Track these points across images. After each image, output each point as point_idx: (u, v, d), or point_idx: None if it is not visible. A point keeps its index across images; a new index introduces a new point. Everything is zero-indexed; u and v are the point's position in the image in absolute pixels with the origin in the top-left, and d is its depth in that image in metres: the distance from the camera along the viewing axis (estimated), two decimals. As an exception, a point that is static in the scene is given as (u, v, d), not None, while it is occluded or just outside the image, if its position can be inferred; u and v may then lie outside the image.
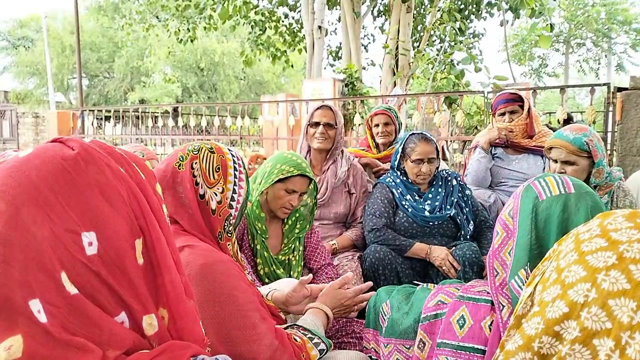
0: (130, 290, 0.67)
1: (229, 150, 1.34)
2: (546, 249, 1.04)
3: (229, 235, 1.30)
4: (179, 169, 1.25)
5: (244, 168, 1.36)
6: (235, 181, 1.30)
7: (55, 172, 0.64)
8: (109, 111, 6.86)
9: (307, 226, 2.18)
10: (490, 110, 5.99)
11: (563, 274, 0.60)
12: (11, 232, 0.58)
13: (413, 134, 2.52)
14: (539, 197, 1.11)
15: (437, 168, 2.54)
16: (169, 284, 0.71)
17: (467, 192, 2.55)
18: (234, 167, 1.31)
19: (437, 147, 2.48)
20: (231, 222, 1.30)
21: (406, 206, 2.45)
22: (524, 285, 1.05)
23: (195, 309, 0.78)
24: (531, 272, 1.06)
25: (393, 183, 2.53)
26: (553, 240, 1.04)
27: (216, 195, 1.26)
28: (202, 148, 1.29)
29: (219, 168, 1.28)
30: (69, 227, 0.62)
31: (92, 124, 7.09)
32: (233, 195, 1.29)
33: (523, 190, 1.16)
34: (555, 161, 2.20)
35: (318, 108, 2.70)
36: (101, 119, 7.69)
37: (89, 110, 7.31)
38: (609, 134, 3.90)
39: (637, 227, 0.59)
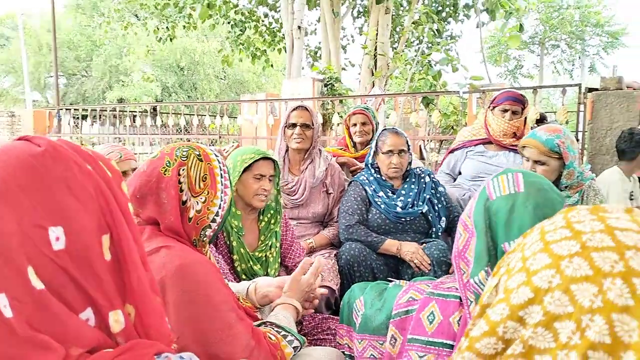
0: (97, 285, 0.66)
1: (216, 156, 1.34)
2: (500, 248, 1.07)
3: (204, 242, 1.31)
4: (165, 174, 1.24)
5: (228, 174, 1.36)
6: (221, 195, 1.30)
7: (23, 168, 0.64)
8: (86, 110, 6.76)
9: (279, 217, 2.18)
10: (465, 110, 6.09)
11: (528, 262, 0.62)
12: None
13: (385, 129, 2.59)
14: (489, 197, 1.14)
15: (410, 164, 2.58)
16: (136, 280, 0.71)
17: (440, 188, 2.60)
18: (220, 174, 1.31)
19: (407, 141, 2.54)
20: (207, 232, 1.29)
21: (379, 203, 2.49)
22: (484, 285, 1.08)
23: (161, 305, 0.78)
24: (491, 271, 1.09)
25: (366, 181, 2.57)
26: (503, 240, 1.08)
27: (197, 204, 1.26)
28: (190, 155, 1.28)
29: (205, 177, 1.28)
30: (36, 222, 0.62)
31: (69, 123, 6.98)
32: (218, 210, 1.29)
33: (479, 190, 1.19)
34: (528, 159, 2.24)
35: (294, 109, 2.72)
36: (78, 117, 7.56)
37: (66, 109, 7.19)
38: (580, 134, 4.00)
39: (599, 220, 0.61)
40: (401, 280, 1.59)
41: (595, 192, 2.30)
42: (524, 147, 2.25)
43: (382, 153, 2.53)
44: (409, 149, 2.54)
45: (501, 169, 2.85)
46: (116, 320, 0.69)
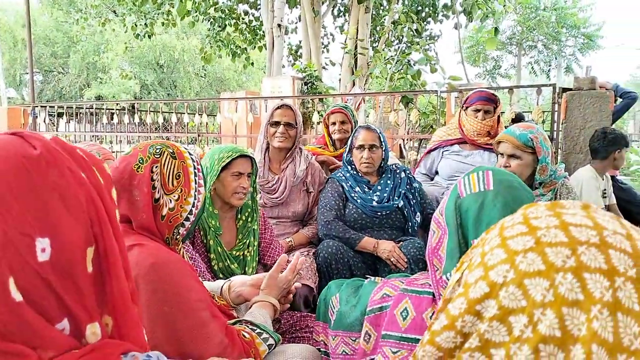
0: (77, 298, 0.65)
1: (190, 154, 1.32)
2: (470, 245, 1.09)
3: (177, 240, 1.30)
4: (138, 171, 1.23)
5: (203, 173, 1.35)
6: (195, 194, 1.29)
7: (16, 171, 0.61)
8: (63, 107, 6.64)
9: (255, 215, 2.18)
10: (443, 110, 6.15)
11: (486, 257, 0.64)
12: None
13: (359, 126, 2.62)
14: (460, 195, 1.16)
15: (385, 160, 2.60)
16: (117, 292, 0.70)
17: (415, 184, 2.63)
18: (194, 172, 1.30)
19: (380, 137, 2.57)
20: (180, 231, 1.28)
21: (355, 198, 2.52)
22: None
23: (139, 315, 0.77)
24: None
25: (343, 177, 2.60)
26: (472, 236, 1.10)
27: (170, 202, 1.25)
28: (164, 152, 1.27)
29: (179, 175, 1.27)
30: (23, 231, 0.60)
31: (45, 121, 6.84)
32: (192, 208, 1.28)
33: (451, 189, 1.21)
34: (502, 155, 2.29)
35: (278, 107, 2.70)
36: (54, 115, 7.41)
37: (41, 107, 7.05)
38: (555, 133, 4.07)
39: (555, 215, 0.63)
40: (377, 277, 1.60)
41: (568, 190, 2.35)
42: (499, 142, 2.31)
43: (355, 148, 2.56)
44: (382, 145, 2.57)
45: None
46: (93, 332, 0.68)
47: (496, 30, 7.72)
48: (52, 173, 0.64)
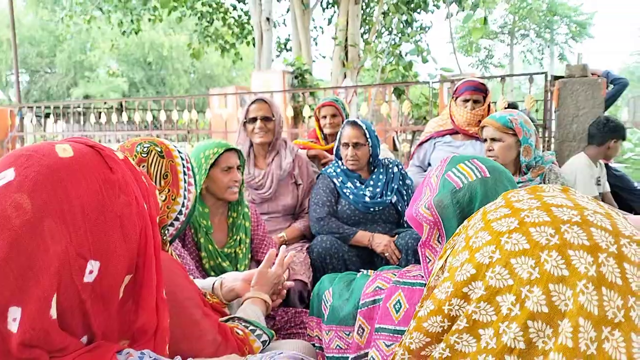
0: (102, 321, 0.66)
1: (180, 153, 1.30)
2: None
3: (165, 240, 1.28)
4: None
5: (193, 171, 1.33)
6: (184, 193, 1.27)
7: (92, 194, 0.62)
8: (50, 107, 6.56)
9: (245, 209, 2.17)
10: (436, 101, 6.14)
11: (471, 240, 0.65)
12: (26, 236, 0.56)
13: (347, 121, 2.57)
14: (455, 187, 1.15)
15: (373, 155, 2.55)
16: (143, 324, 0.71)
17: (408, 181, 2.60)
18: (184, 171, 1.28)
19: (366, 133, 2.50)
20: (169, 231, 1.26)
21: (347, 193, 2.49)
22: None
23: (161, 344, 0.77)
24: None
25: (334, 173, 2.56)
26: None
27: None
28: (151, 151, 1.25)
29: (167, 175, 1.25)
30: (81, 252, 0.61)
31: (32, 122, 6.77)
32: (182, 208, 1.26)
33: (439, 183, 1.19)
34: (485, 140, 2.37)
35: (253, 102, 2.66)
36: (41, 116, 7.33)
37: (28, 107, 6.97)
38: (548, 121, 4.07)
39: (536, 198, 0.65)
40: (369, 270, 1.59)
41: (556, 175, 2.37)
42: (482, 128, 2.40)
43: (341, 145, 2.53)
44: (368, 141, 2.51)
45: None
46: None
47: (485, 19, 7.72)
48: (121, 200, 0.66)
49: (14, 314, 0.55)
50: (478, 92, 2.90)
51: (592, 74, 3.84)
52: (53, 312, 0.59)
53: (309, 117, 5.15)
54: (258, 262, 2.23)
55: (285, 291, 1.52)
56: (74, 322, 0.63)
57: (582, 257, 0.57)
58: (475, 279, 0.61)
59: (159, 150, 1.26)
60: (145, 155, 1.23)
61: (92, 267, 0.62)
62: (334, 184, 2.53)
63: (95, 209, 0.63)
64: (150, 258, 0.70)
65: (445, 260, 0.69)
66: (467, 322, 0.61)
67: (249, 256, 2.18)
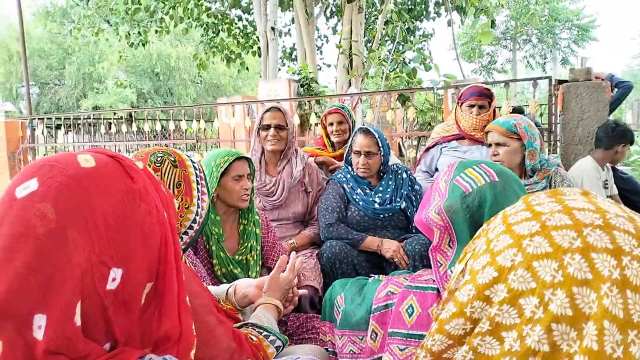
0: (124, 328, 0.66)
1: (193, 162, 1.32)
2: None
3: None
4: None
5: (205, 180, 1.35)
6: (198, 202, 1.28)
7: (114, 203, 0.63)
8: (60, 119, 6.64)
9: (255, 217, 2.19)
10: (440, 107, 6.15)
11: (492, 244, 0.65)
12: (50, 244, 0.57)
13: (359, 128, 2.59)
14: (465, 191, 1.16)
15: (384, 163, 2.57)
16: (166, 331, 0.71)
17: (417, 187, 2.61)
18: (197, 180, 1.30)
19: (379, 142, 2.51)
20: (183, 239, 1.27)
21: (357, 200, 2.50)
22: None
23: (186, 351, 0.77)
24: None
25: (344, 179, 2.58)
26: None
27: None
28: (165, 160, 1.26)
29: (180, 184, 1.26)
30: (103, 260, 0.61)
31: (43, 133, 6.84)
32: (195, 217, 1.27)
33: (449, 189, 1.21)
34: (490, 145, 2.39)
35: (267, 110, 2.70)
36: (52, 127, 7.41)
37: (39, 119, 7.05)
38: (553, 125, 4.07)
39: (557, 201, 0.65)
40: (380, 275, 1.60)
41: (562, 178, 2.38)
42: (487, 133, 2.42)
43: (353, 153, 2.55)
44: (380, 150, 2.52)
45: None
46: None
47: (492, 23, 7.72)
48: (142, 209, 0.67)
49: (39, 321, 0.56)
50: (483, 97, 2.91)
51: (596, 78, 3.85)
52: (77, 319, 0.59)
53: (316, 124, 5.18)
54: (269, 269, 2.25)
55: (297, 298, 1.53)
56: (97, 329, 0.63)
57: (606, 260, 0.56)
58: (497, 282, 0.61)
59: (172, 159, 1.28)
60: (159, 164, 1.25)
61: (115, 275, 0.63)
62: (344, 189, 2.55)
63: (117, 217, 0.63)
64: (170, 265, 0.71)
65: (466, 264, 0.69)
66: (489, 325, 0.61)
67: (260, 263, 2.19)
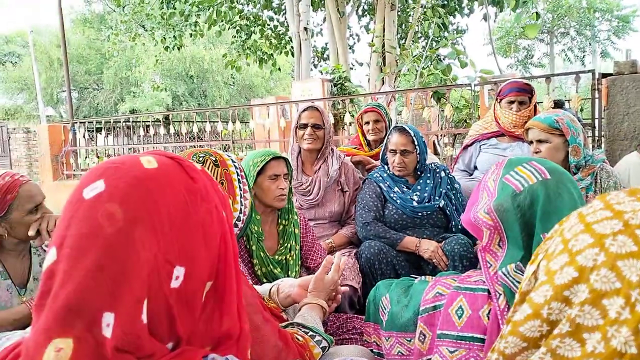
0: (187, 327, 0.67)
1: (233, 162, 1.33)
2: (534, 235, 1.06)
3: None
4: None
5: (247, 179, 1.36)
6: (241, 200, 1.29)
7: (177, 202, 0.65)
8: (100, 122, 6.85)
9: (295, 217, 2.19)
10: (477, 104, 6.04)
11: (570, 243, 0.62)
12: (118, 243, 0.59)
13: (395, 126, 2.56)
14: (516, 190, 1.13)
15: (420, 162, 2.52)
16: (226, 330, 0.72)
17: (456, 185, 2.57)
18: (238, 179, 1.31)
19: (415, 140, 2.47)
20: None
21: (394, 198, 2.47)
22: (512, 277, 1.07)
23: (244, 351, 0.78)
24: (523, 266, 1.08)
25: (380, 177, 2.56)
26: (541, 227, 1.07)
27: None
28: (206, 160, 1.28)
29: (222, 182, 1.27)
30: (168, 258, 0.63)
31: (84, 136, 7.08)
32: (239, 215, 1.28)
33: (498, 187, 1.18)
34: (532, 142, 2.31)
35: (305, 109, 2.72)
36: (92, 130, 7.66)
37: (80, 123, 7.29)
38: (597, 120, 3.94)
39: (639, 200, 0.62)
40: (427, 276, 1.58)
41: (609, 174, 2.30)
42: (527, 130, 2.34)
43: (389, 151, 2.53)
44: (417, 148, 2.48)
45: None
46: None
47: (537, 15, 7.51)
48: (203, 207, 0.68)
49: (108, 319, 0.57)
50: (523, 93, 2.83)
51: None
52: (144, 317, 0.60)
53: (350, 123, 5.16)
54: (307, 269, 2.25)
55: (340, 296, 1.53)
56: (162, 328, 0.64)
57: None
58: (577, 282, 0.59)
59: (214, 159, 1.29)
60: (201, 164, 1.27)
61: (178, 273, 0.64)
62: (381, 188, 2.53)
63: (180, 216, 0.65)
64: (229, 264, 0.72)
65: (538, 265, 0.67)
66: (570, 326, 0.58)
67: (299, 263, 2.20)
